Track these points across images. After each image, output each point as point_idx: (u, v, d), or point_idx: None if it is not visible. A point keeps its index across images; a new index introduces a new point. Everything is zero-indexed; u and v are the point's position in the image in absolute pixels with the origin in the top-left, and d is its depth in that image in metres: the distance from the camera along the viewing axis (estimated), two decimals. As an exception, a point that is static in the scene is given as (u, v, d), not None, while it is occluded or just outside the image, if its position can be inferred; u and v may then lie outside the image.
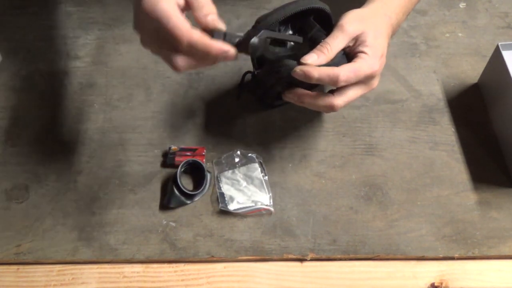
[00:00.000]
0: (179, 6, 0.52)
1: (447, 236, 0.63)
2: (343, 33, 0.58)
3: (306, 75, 0.55)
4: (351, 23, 0.59)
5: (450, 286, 0.60)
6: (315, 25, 0.61)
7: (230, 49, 0.51)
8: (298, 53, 0.57)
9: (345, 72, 0.55)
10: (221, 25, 0.53)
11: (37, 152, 0.70)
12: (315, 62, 0.56)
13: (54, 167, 0.69)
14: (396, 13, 0.63)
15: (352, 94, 0.59)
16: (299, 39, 0.60)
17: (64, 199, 0.66)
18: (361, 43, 0.59)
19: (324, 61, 0.56)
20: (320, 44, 0.57)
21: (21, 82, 0.78)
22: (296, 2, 0.61)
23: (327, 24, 0.62)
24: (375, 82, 0.61)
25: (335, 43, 0.57)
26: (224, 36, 0.53)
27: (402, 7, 0.65)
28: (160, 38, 0.51)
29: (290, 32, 0.63)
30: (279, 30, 0.62)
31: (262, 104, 0.74)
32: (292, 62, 0.57)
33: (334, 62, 0.57)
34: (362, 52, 0.58)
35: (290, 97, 0.61)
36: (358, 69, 0.56)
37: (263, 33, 0.56)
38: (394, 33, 0.65)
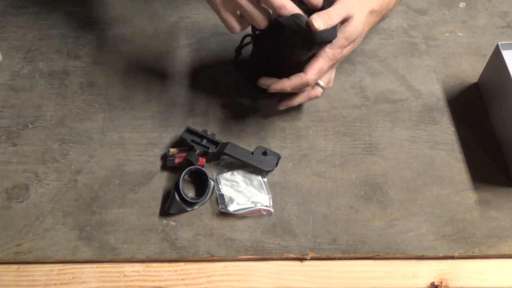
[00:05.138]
0: None
1: (447, 235, 0.63)
2: (345, 8, 0.61)
3: (282, 90, 0.64)
4: (350, 2, 0.62)
5: (450, 285, 0.60)
6: None
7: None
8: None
9: (311, 76, 0.62)
10: None
11: (37, 152, 0.70)
12: (319, 27, 0.58)
13: (54, 166, 0.69)
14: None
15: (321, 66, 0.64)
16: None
17: (64, 198, 0.66)
18: (341, 26, 0.63)
19: (324, 27, 0.58)
20: (324, 11, 0.59)
21: (21, 82, 0.78)
22: None
23: None
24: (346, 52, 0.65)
25: (336, 14, 0.60)
26: None
27: None
28: None
29: None
30: None
31: (257, 89, 0.72)
32: (294, 18, 0.58)
33: (328, 31, 0.59)
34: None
35: (265, 84, 0.66)
36: (322, 67, 0.63)
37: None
38: (382, 15, 0.68)
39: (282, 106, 0.70)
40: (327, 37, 0.60)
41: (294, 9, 0.59)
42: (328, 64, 0.63)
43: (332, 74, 0.71)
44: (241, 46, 0.71)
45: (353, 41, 0.64)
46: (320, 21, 0.58)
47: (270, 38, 0.63)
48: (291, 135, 0.72)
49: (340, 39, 0.63)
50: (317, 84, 0.67)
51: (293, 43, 0.60)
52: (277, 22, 0.59)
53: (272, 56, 0.66)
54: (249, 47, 0.72)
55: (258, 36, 0.67)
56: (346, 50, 0.64)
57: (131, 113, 0.74)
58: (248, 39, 0.70)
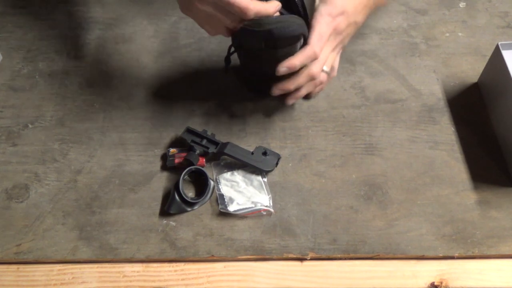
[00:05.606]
0: None
1: (447, 235, 0.63)
2: None
3: (290, 67, 0.63)
4: None
5: (450, 286, 0.60)
6: None
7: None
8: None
9: (316, 42, 0.63)
10: None
11: (37, 152, 0.70)
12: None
13: (54, 166, 0.69)
14: None
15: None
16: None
17: (64, 198, 0.66)
18: None
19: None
20: None
21: (21, 82, 0.78)
22: None
23: None
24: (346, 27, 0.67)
25: None
26: None
27: None
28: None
29: None
30: None
31: (251, 90, 0.75)
32: (247, 25, 0.60)
33: (284, 27, 0.60)
34: (316, 11, 0.65)
35: (283, 84, 0.66)
36: (320, 32, 0.63)
37: None
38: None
39: (292, 99, 0.70)
40: (285, 33, 0.60)
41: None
42: (326, 31, 0.64)
43: (335, 63, 0.71)
44: (228, 54, 0.71)
45: (343, 11, 0.64)
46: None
47: (239, 49, 0.65)
48: (291, 135, 0.72)
49: (323, 6, 0.64)
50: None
51: (257, 47, 0.62)
52: (234, 35, 0.62)
53: (254, 64, 0.67)
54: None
55: (233, 46, 0.68)
56: (341, 21, 0.65)
57: (131, 113, 0.74)
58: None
